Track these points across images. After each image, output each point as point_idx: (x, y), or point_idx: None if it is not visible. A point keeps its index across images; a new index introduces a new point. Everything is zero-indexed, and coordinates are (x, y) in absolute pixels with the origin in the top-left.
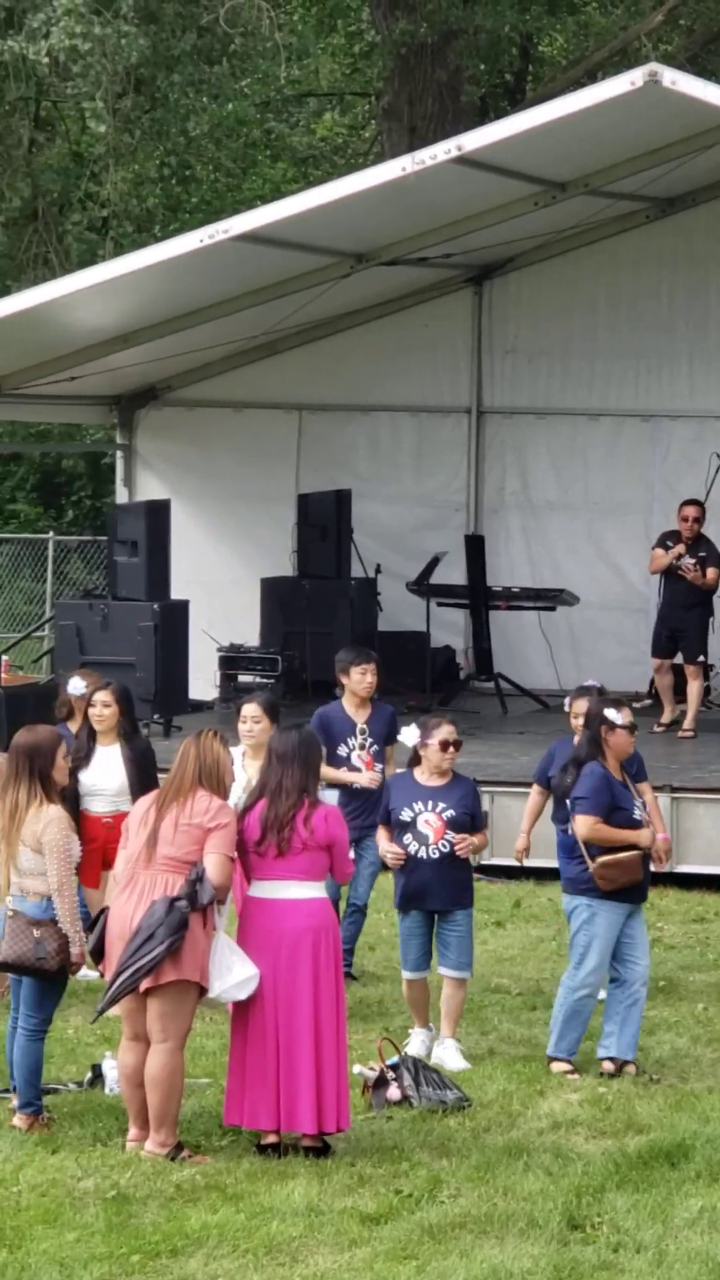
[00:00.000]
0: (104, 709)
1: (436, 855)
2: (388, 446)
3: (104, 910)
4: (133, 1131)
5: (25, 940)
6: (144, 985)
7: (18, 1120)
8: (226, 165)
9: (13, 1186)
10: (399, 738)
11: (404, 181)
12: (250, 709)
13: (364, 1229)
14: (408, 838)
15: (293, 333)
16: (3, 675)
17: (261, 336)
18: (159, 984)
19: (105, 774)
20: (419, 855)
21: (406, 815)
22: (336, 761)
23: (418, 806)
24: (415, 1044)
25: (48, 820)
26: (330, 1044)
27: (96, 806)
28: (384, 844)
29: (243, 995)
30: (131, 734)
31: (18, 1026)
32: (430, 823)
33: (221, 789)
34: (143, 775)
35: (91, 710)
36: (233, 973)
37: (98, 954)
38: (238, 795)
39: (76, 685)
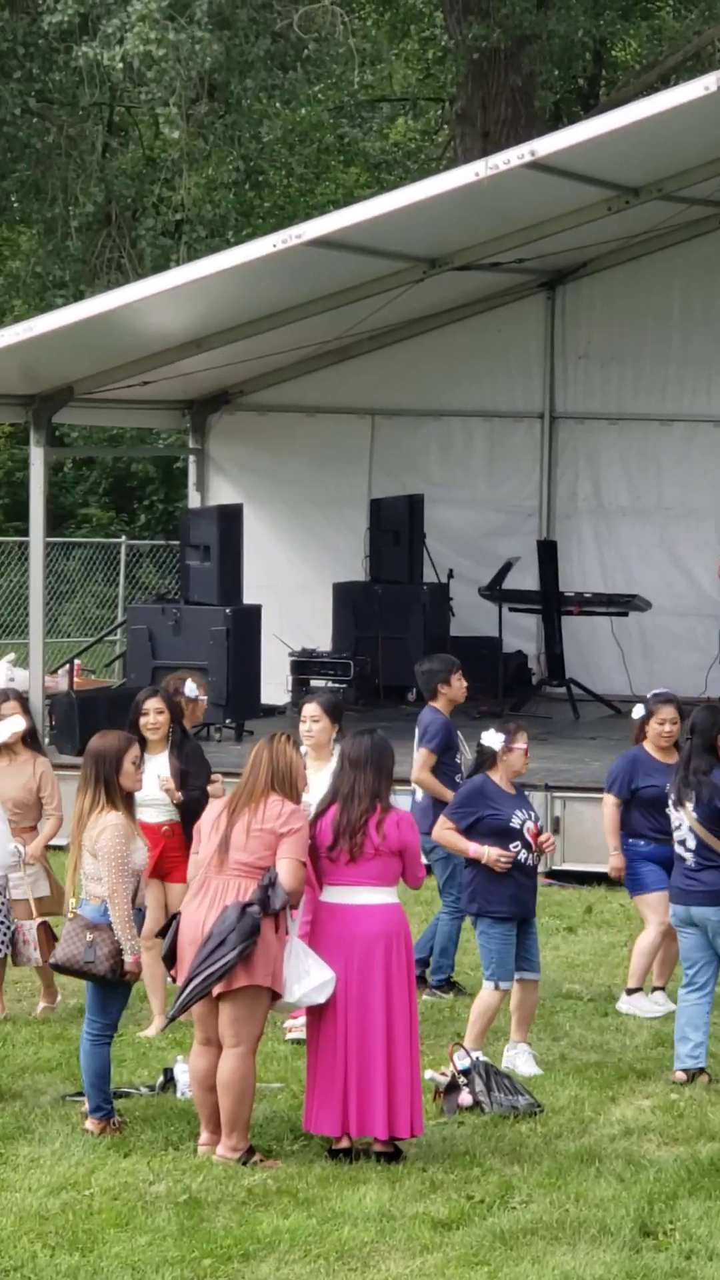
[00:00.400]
0: (157, 716)
1: (535, 861)
2: (460, 451)
3: (176, 916)
4: (204, 1136)
5: (78, 943)
6: (216, 990)
7: (89, 1124)
8: (299, 170)
9: (85, 1190)
10: (482, 740)
11: (477, 186)
12: (310, 709)
13: (435, 1235)
14: (515, 844)
15: (365, 337)
16: (75, 679)
17: (334, 341)
18: (231, 989)
19: (157, 783)
20: (527, 862)
21: (515, 822)
22: (452, 770)
23: (519, 814)
24: (528, 1059)
25: (104, 826)
26: (403, 1049)
27: (149, 816)
28: (493, 850)
29: (321, 999)
30: (181, 740)
31: (83, 1031)
32: (530, 829)
33: (294, 793)
34: (188, 779)
35: (144, 719)
36: (310, 976)
37: (170, 959)
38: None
39: (191, 688)
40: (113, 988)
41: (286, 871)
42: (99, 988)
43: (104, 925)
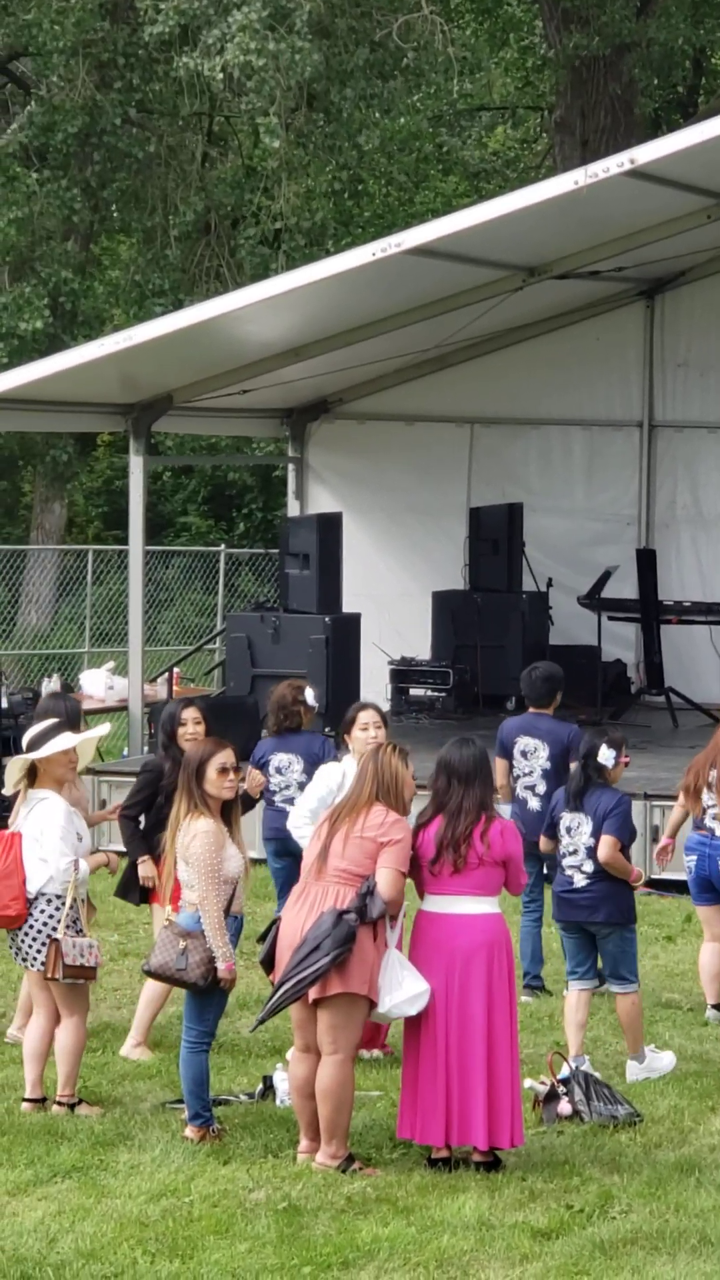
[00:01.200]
0: (195, 727)
1: None
2: (559, 460)
3: (275, 921)
4: (304, 1143)
5: (171, 950)
6: (312, 996)
7: (189, 1132)
8: (398, 179)
9: (185, 1197)
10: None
11: (576, 195)
12: (371, 716)
13: (535, 1244)
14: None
15: (464, 346)
16: (174, 687)
17: (433, 350)
18: (326, 995)
19: None
20: None
21: None
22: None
23: None
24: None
25: (195, 833)
26: (504, 1059)
27: None
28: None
29: (412, 1011)
30: None
31: (182, 1039)
32: None
33: (399, 804)
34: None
35: (182, 729)
36: (403, 988)
37: (268, 964)
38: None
39: (310, 694)
40: (208, 995)
41: (386, 881)
42: (195, 995)
43: (197, 933)
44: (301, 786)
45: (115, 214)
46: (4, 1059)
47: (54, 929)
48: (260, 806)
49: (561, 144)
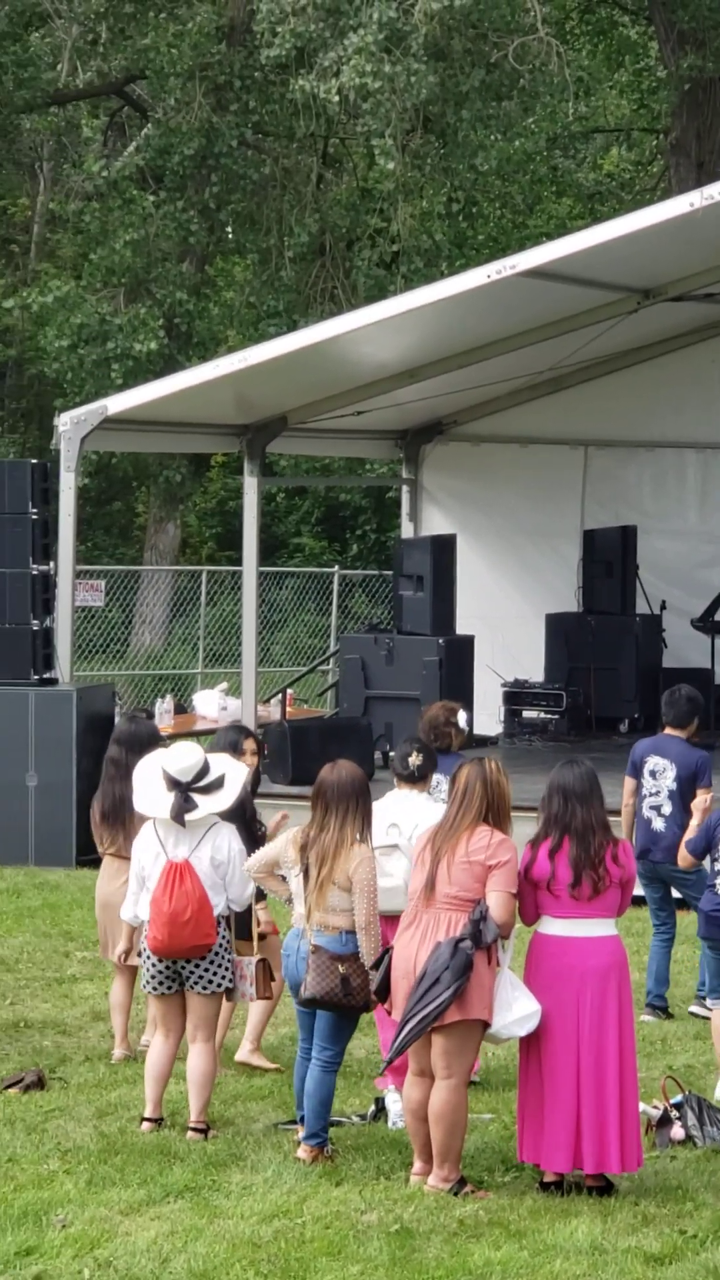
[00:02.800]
0: (252, 757)
1: None
2: (673, 482)
3: (388, 950)
4: (417, 1165)
5: (332, 976)
6: (452, 1019)
7: (302, 1153)
8: (513, 201)
9: (297, 1218)
10: None
11: (692, 217)
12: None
13: (648, 1269)
14: None
15: (579, 368)
16: (288, 708)
17: (547, 372)
18: (444, 1024)
19: None
20: None
21: None
22: None
23: None
24: None
25: (360, 859)
26: (631, 1083)
27: None
28: None
29: (522, 1032)
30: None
31: (312, 1058)
32: None
33: (506, 823)
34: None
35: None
36: (513, 1010)
37: (382, 993)
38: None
39: (463, 717)
40: (351, 1017)
41: (498, 905)
42: (336, 1016)
43: (349, 956)
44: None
45: (230, 236)
46: (117, 1078)
47: (230, 950)
48: None
49: (677, 166)
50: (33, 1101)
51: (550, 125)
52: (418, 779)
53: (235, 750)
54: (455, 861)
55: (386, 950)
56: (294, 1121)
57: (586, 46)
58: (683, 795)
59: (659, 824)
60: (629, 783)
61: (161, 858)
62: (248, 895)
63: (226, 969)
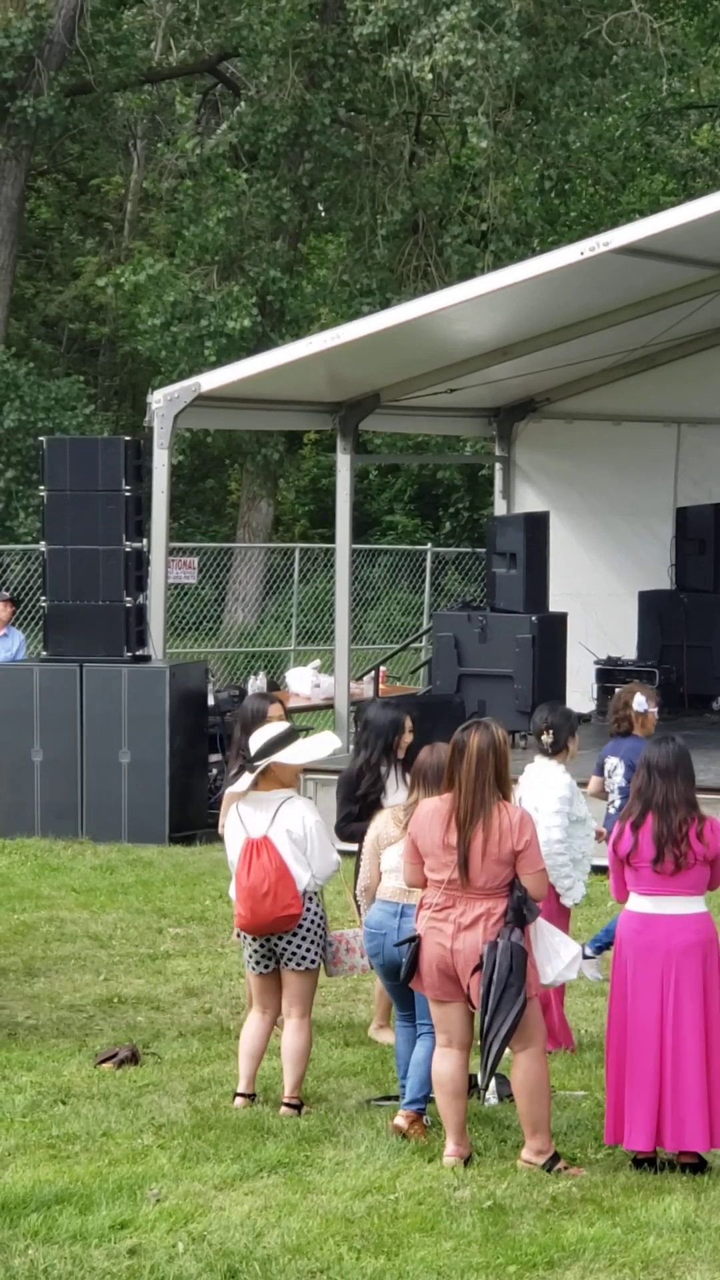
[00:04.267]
0: (409, 735)
1: None
2: None
3: (416, 938)
4: (451, 1147)
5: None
6: (477, 1010)
7: (400, 1119)
8: (606, 178)
9: (390, 1194)
10: None
11: None
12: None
13: None
14: None
15: (672, 345)
16: (380, 686)
17: (640, 349)
18: None
19: None
20: None
21: None
22: None
23: None
24: None
25: None
26: (718, 1058)
27: None
28: None
29: (573, 975)
30: None
31: (424, 1031)
32: None
33: (508, 786)
34: None
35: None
36: (560, 955)
37: (409, 976)
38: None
39: (641, 702)
40: None
41: (536, 884)
42: None
43: None
44: (622, 791)
45: (323, 213)
46: (210, 1054)
47: (324, 926)
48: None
49: None
50: (127, 1077)
51: (644, 101)
52: (552, 754)
53: (260, 719)
54: (489, 852)
55: (414, 938)
56: (389, 1097)
57: (681, 21)
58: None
59: None
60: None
61: (243, 836)
62: (332, 867)
63: (318, 944)
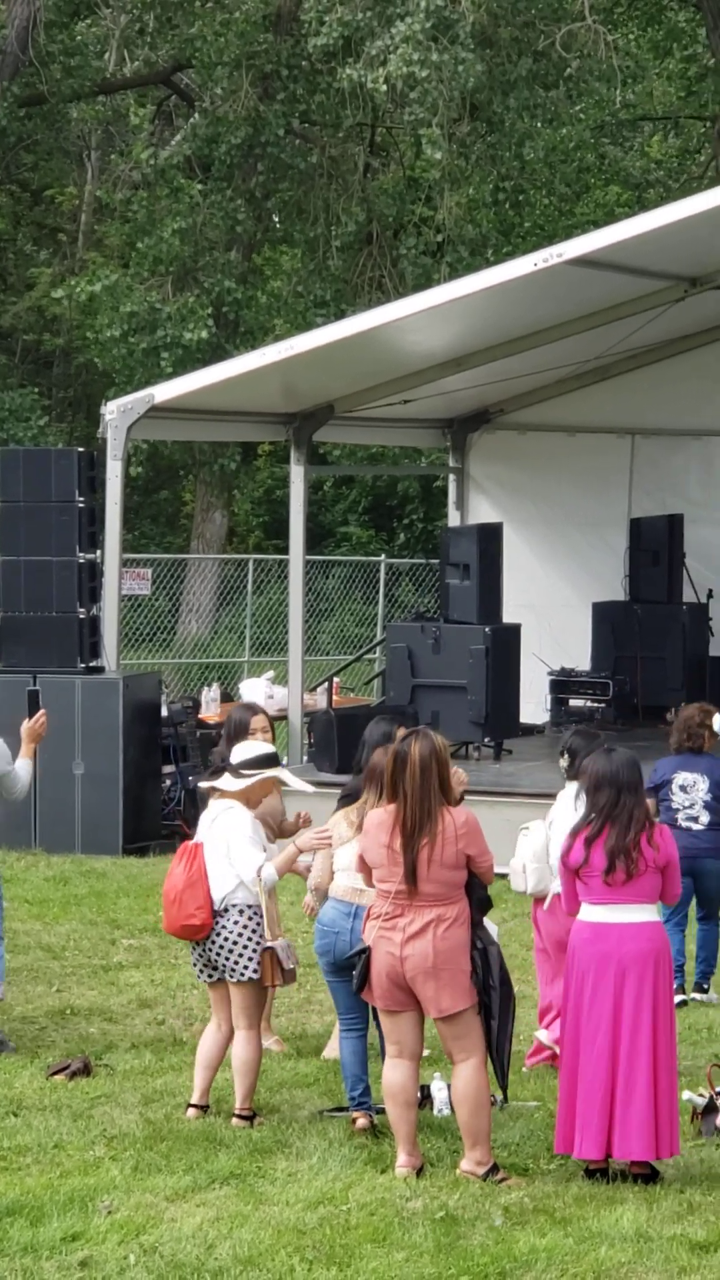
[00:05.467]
0: (264, 734)
1: None
2: None
3: (367, 949)
4: (403, 1158)
5: None
6: (435, 1015)
7: (362, 1122)
8: (560, 189)
9: (342, 1205)
10: None
11: None
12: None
13: (694, 1257)
14: None
15: (626, 357)
16: (334, 697)
17: (594, 360)
18: (447, 1014)
19: None
20: None
21: None
22: None
23: None
24: None
25: None
26: (666, 1069)
27: None
28: None
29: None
30: None
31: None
32: None
33: (451, 792)
34: None
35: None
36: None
37: (360, 986)
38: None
39: (719, 721)
40: None
41: (487, 876)
42: None
43: None
44: (706, 805)
45: (278, 224)
46: (163, 1065)
47: (258, 938)
48: None
49: None
50: (79, 1088)
51: (597, 113)
52: (572, 777)
53: (243, 729)
54: (439, 859)
55: (365, 949)
56: (341, 1108)
57: (634, 33)
58: None
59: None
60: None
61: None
62: (250, 871)
63: (247, 957)
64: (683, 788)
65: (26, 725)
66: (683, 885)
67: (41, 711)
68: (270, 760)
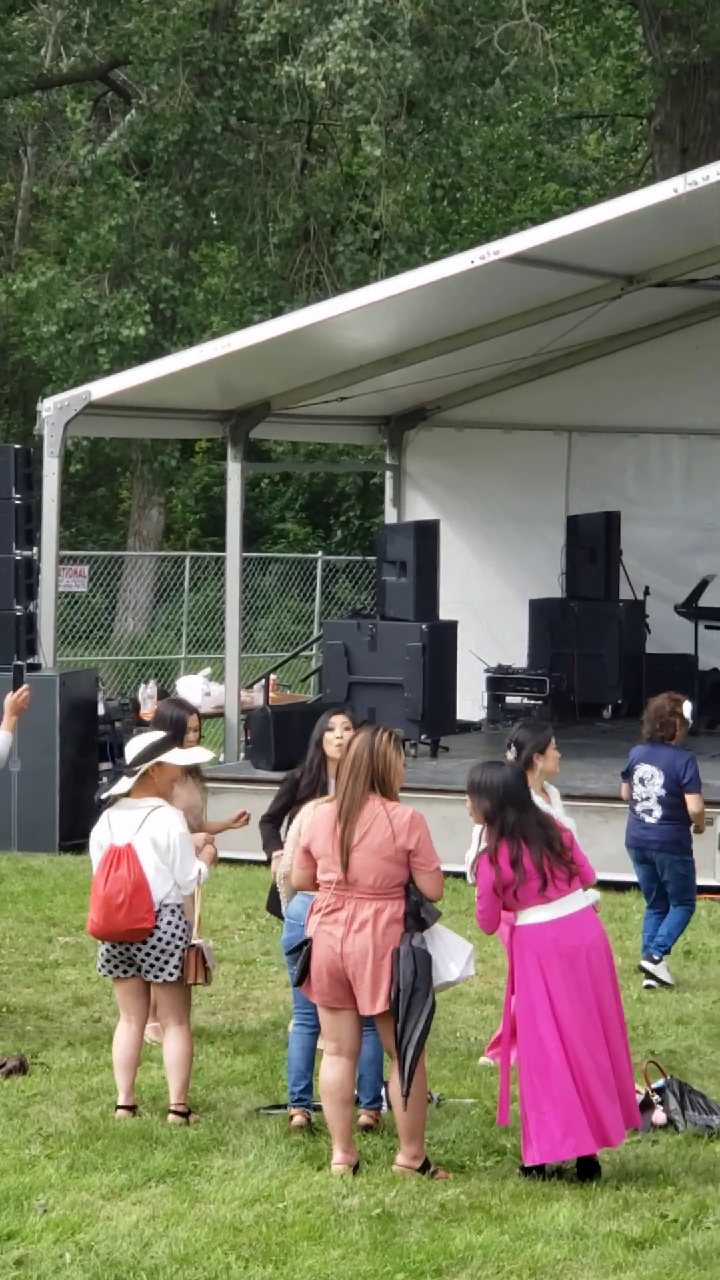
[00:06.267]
0: (193, 733)
1: None
2: (657, 468)
3: (308, 941)
4: (339, 1155)
5: None
6: (373, 1012)
7: (300, 1119)
8: (497, 186)
9: (279, 1203)
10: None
11: (676, 203)
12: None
13: (629, 1253)
14: None
15: (563, 354)
16: (270, 694)
17: (531, 358)
18: (383, 1013)
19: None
20: None
21: None
22: None
23: None
24: None
25: None
26: (623, 1047)
27: None
28: None
29: (471, 972)
30: None
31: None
32: None
33: (394, 795)
34: None
35: (329, 734)
36: (459, 953)
37: (300, 980)
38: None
39: (689, 709)
40: None
41: (433, 884)
42: None
43: None
44: (660, 800)
45: (215, 222)
46: (99, 1063)
47: (185, 937)
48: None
49: (661, 152)
50: (14, 1087)
51: (535, 110)
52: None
53: (176, 726)
54: (370, 849)
55: (306, 941)
56: (278, 1106)
57: (571, 31)
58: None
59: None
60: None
61: (106, 842)
62: (193, 878)
63: (175, 957)
64: (641, 780)
65: (9, 698)
66: (645, 873)
67: (25, 686)
68: (156, 749)
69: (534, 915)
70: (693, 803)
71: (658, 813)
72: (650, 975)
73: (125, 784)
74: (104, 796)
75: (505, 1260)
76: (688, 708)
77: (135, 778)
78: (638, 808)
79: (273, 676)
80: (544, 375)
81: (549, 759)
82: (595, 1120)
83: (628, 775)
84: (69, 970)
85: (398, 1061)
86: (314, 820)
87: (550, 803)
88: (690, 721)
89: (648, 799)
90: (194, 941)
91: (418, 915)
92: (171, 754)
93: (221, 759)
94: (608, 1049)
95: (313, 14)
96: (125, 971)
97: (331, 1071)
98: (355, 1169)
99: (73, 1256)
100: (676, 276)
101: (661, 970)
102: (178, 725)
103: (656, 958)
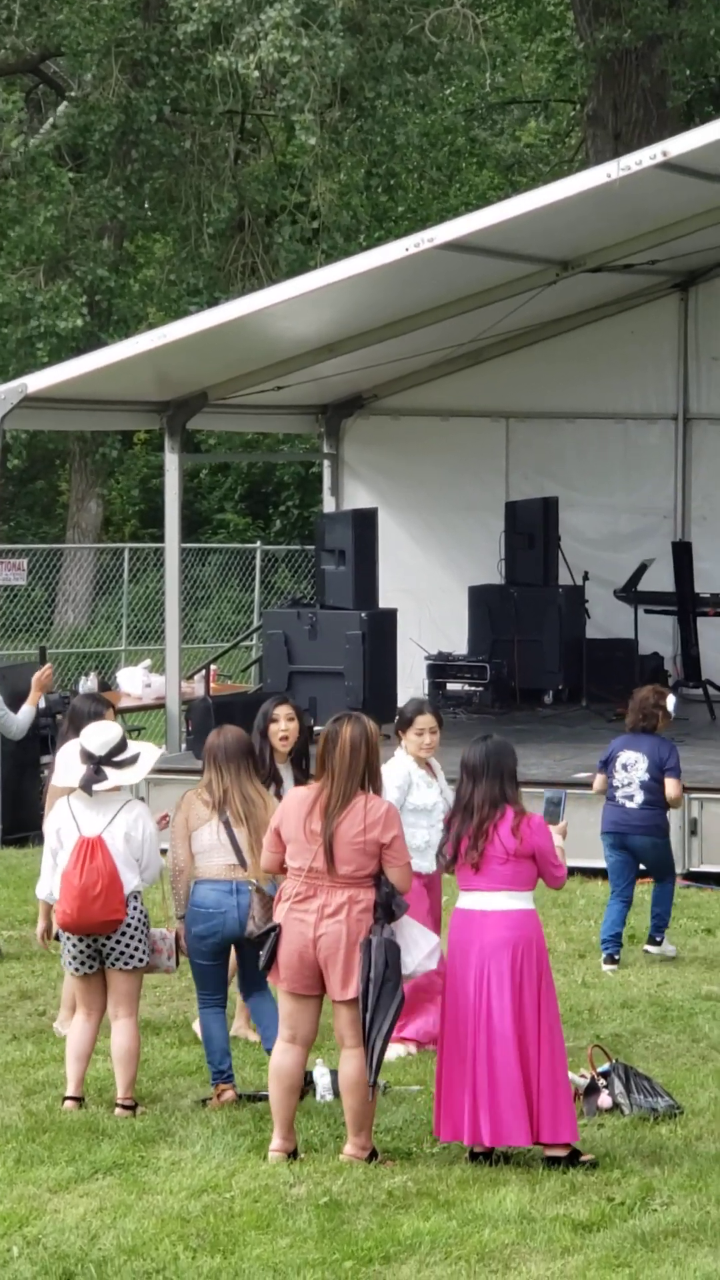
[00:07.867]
0: (288, 724)
1: None
2: (595, 454)
3: (276, 927)
4: (277, 1142)
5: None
6: (338, 999)
7: (230, 1094)
8: (432, 174)
9: (226, 1193)
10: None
11: (609, 188)
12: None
13: (576, 1237)
14: None
15: (499, 340)
16: (211, 684)
17: (467, 345)
18: (349, 998)
19: None
20: None
21: None
22: None
23: None
24: None
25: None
26: (547, 1053)
27: None
28: None
29: (433, 965)
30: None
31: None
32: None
33: (379, 786)
34: None
35: (274, 726)
36: (420, 945)
37: (267, 966)
38: None
39: (672, 701)
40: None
41: (402, 878)
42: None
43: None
44: (643, 785)
45: (149, 212)
46: (45, 1056)
47: (147, 924)
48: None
49: (594, 137)
50: None
51: (467, 97)
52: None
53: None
54: (349, 839)
55: (275, 927)
56: (258, 1096)
57: (504, 16)
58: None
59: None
60: None
61: (74, 833)
62: (158, 869)
63: (144, 944)
64: (625, 766)
65: (36, 675)
66: (619, 860)
67: (48, 665)
68: (121, 747)
69: (458, 900)
70: (672, 787)
71: (639, 798)
72: (657, 958)
73: (79, 778)
74: (57, 784)
75: (453, 1246)
76: (671, 701)
77: (142, 773)
78: (617, 794)
79: (213, 667)
80: (481, 362)
81: (409, 739)
82: (472, 1114)
83: (606, 765)
84: (13, 964)
85: (365, 1051)
86: (285, 803)
87: (434, 776)
88: (673, 714)
89: (629, 784)
90: (150, 931)
91: (388, 907)
92: (132, 771)
93: (164, 751)
94: (473, 1055)
95: (244, 3)
96: (92, 967)
97: (283, 1058)
98: (292, 1155)
99: (20, 1250)
100: (611, 262)
101: (668, 949)
102: (93, 718)
103: (658, 939)
